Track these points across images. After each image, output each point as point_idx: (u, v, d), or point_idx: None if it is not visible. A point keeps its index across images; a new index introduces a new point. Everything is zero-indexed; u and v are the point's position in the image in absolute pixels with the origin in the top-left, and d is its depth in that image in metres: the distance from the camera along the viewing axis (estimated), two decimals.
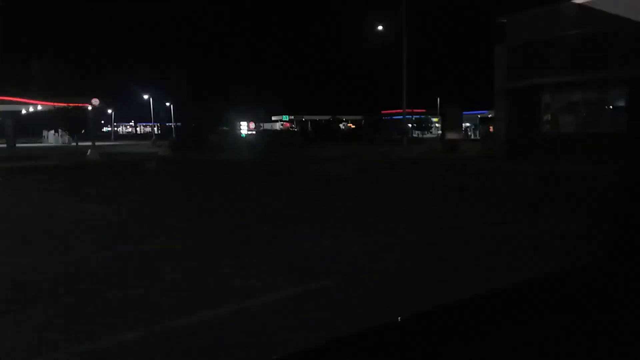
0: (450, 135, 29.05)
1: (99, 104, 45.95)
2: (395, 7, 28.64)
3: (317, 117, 68.71)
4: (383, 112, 60.79)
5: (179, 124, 52.10)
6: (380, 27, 32.65)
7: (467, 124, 54.04)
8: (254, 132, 50.04)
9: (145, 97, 74.47)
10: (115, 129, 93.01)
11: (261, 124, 57.43)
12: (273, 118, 75.98)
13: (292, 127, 65.85)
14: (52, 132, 53.34)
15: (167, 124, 70.21)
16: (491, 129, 33.94)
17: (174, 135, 48.89)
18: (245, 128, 51.84)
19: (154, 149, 35.05)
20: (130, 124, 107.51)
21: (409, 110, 35.70)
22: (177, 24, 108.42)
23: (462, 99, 41.17)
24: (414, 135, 54.07)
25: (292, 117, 75.64)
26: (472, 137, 51.36)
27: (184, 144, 35.39)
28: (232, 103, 53.52)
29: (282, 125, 72.31)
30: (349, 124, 62.52)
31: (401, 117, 32.86)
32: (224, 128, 49.34)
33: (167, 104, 71.35)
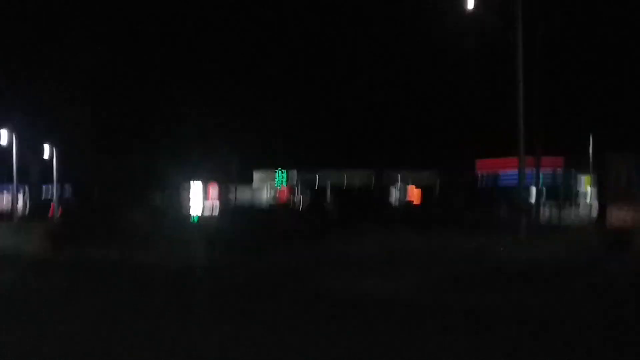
0: (620, 213, 17.79)
1: None
2: None
3: (344, 173, 41.71)
4: (481, 162, 38.15)
5: (68, 187, 37.35)
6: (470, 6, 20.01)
7: None
8: (216, 214, 31.97)
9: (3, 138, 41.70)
10: None
11: (233, 188, 39.48)
12: (256, 175, 43.73)
13: (291, 200, 39.73)
14: None
15: (45, 186, 45.05)
16: None
17: (57, 212, 32.78)
18: (199, 201, 33.07)
19: (20, 239, 22.83)
20: None
21: (533, 159, 22.08)
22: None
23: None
24: (542, 209, 31.30)
25: (295, 173, 42.47)
26: None
27: (76, 229, 23.28)
28: (176, 150, 37.13)
29: (274, 194, 42.57)
30: (408, 186, 42.01)
31: (514, 173, 20.98)
32: (156, 199, 34.65)
33: (47, 150, 43.75)
